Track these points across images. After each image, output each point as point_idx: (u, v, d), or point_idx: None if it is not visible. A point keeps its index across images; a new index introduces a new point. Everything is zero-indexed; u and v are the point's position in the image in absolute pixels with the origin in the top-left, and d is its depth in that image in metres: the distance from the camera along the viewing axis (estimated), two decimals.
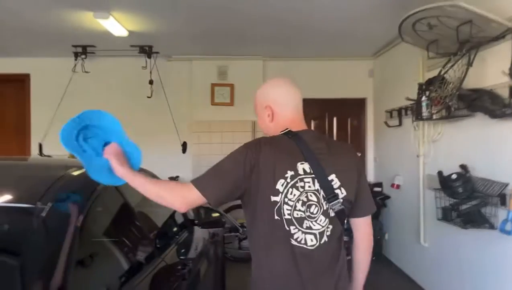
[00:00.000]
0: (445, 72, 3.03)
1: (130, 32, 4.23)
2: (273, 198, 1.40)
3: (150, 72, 5.10)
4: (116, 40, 4.45)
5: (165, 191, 1.41)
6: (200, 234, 2.67)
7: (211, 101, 5.42)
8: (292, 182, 1.41)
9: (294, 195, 1.41)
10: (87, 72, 5.01)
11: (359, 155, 5.69)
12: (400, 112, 4.43)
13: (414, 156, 3.99)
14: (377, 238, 4.91)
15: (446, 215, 2.94)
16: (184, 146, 5.26)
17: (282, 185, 1.41)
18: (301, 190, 1.41)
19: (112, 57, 5.20)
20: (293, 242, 1.40)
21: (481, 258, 2.90)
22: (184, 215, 2.57)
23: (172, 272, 1.75)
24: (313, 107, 5.65)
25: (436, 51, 3.05)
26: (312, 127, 5.69)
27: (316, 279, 1.44)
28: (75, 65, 5.01)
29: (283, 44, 4.96)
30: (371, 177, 5.54)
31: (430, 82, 3.23)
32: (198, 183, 1.39)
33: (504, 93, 2.57)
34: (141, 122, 5.41)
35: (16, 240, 1.13)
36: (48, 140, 5.15)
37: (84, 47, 4.87)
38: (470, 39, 2.73)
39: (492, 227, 2.69)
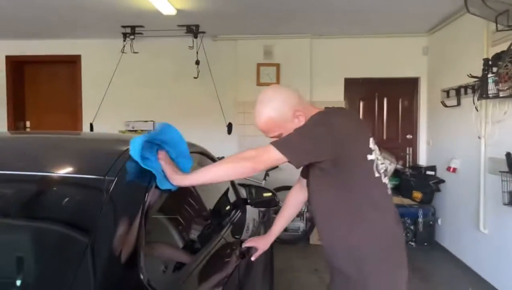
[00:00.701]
0: None
1: (178, 11, 4.20)
2: (369, 157, 1.47)
3: (197, 53, 5.07)
4: (164, 20, 4.44)
5: (239, 164, 1.42)
6: (251, 214, 2.63)
7: (256, 82, 5.34)
8: (373, 141, 1.55)
9: (377, 151, 1.54)
10: (135, 52, 5.06)
11: (411, 137, 5.46)
12: (459, 91, 4.16)
13: (474, 137, 3.75)
14: (429, 223, 4.72)
15: None
16: (230, 127, 5.24)
17: (372, 143, 1.52)
18: (376, 146, 1.56)
19: (159, 38, 5.22)
20: (389, 191, 1.56)
21: None
22: (237, 194, 2.53)
23: (232, 250, 1.72)
24: (362, 87, 5.46)
25: (506, 23, 2.80)
26: (361, 108, 5.51)
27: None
28: (124, 46, 5.08)
29: (330, 22, 4.78)
30: (423, 160, 5.30)
31: (498, 57, 2.99)
32: (279, 145, 1.40)
33: None
34: (187, 102, 5.46)
35: (86, 214, 1.11)
36: (98, 120, 5.28)
37: (133, 28, 4.91)
38: None
39: None
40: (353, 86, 5.38)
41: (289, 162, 1.40)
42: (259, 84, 5.32)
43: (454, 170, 4.29)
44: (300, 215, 5.20)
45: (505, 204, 2.86)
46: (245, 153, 1.44)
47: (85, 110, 5.58)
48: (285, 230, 5.34)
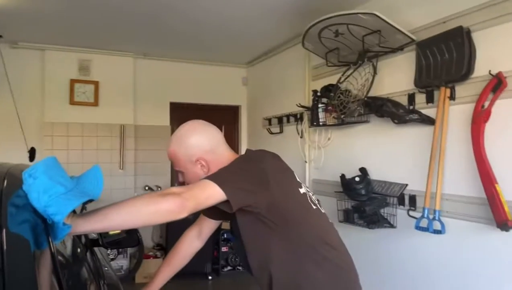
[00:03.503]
0: (344, 80, 3.17)
1: None
2: (301, 190, 1.40)
3: None
4: None
5: (161, 200, 1.06)
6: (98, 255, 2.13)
7: (70, 100, 4.60)
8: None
9: (303, 184, 1.50)
10: None
11: None
12: (281, 119, 4.51)
13: (299, 162, 4.09)
14: None
15: (349, 217, 3.05)
16: (32, 152, 4.30)
17: (297, 178, 1.47)
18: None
19: None
20: (330, 221, 1.48)
21: (381, 256, 3.08)
22: (86, 235, 2.02)
23: None
24: (188, 113, 5.34)
25: (337, 59, 3.16)
26: None
27: None
28: None
29: (156, 43, 4.54)
30: None
31: (327, 89, 3.34)
32: (217, 179, 1.18)
33: (403, 101, 2.81)
34: None
35: None
36: None
37: None
38: (371, 49, 2.92)
39: (391, 225, 2.88)
40: (178, 111, 5.23)
41: (225, 202, 1.17)
42: (73, 103, 4.59)
43: None
44: (123, 251, 4.64)
45: (340, 221, 3.15)
46: (167, 189, 1.12)
47: None
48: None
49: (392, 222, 2.89)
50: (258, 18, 3.64)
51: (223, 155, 1.41)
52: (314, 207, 1.41)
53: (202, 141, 1.40)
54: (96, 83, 4.69)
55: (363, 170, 3.08)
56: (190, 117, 5.54)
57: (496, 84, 2.17)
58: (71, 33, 4.18)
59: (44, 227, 0.83)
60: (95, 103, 4.69)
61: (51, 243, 0.82)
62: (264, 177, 1.26)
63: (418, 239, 2.69)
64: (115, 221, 1.00)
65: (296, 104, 3.82)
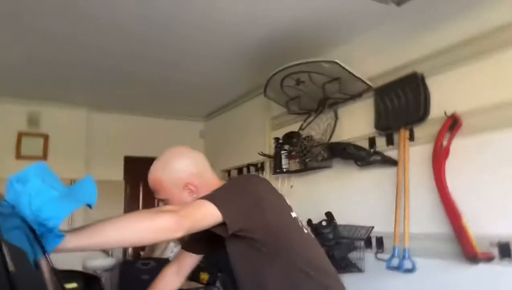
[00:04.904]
0: (305, 127, 3.26)
1: None
2: (293, 214, 1.37)
3: None
4: None
5: (157, 217, 0.98)
6: None
7: (16, 154, 4.31)
8: None
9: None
10: None
11: None
12: (241, 170, 4.49)
13: None
14: None
15: None
16: None
17: (288, 203, 1.44)
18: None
19: None
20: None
21: None
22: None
23: None
24: (142, 167, 5.13)
25: (298, 107, 3.26)
26: (141, 189, 5.18)
27: None
28: None
29: (111, 95, 4.48)
30: None
31: (289, 136, 3.40)
32: (213, 199, 1.12)
33: (364, 144, 2.90)
34: None
35: None
36: None
37: None
38: (331, 96, 3.04)
39: (359, 270, 2.85)
40: (133, 164, 5.06)
41: (220, 225, 1.11)
42: (19, 157, 4.31)
43: None
44: None
45: None
46: (162, 207, 1.05)
47: None
48: None
49: (360, 266, 2.86)
50: (216, 71, 3.72)
51: (211, 180, 1.36)
52: (306, 231, 1.37)
53: (189, 165, 1.35)
54: (46, 137, 4.47)
55: (329, 214, 3.07)
56: (145, 171, 5.36)
57: (452, 123, 2.31)
58: (20, 84, 4.02)
59: (34, 237, 0.73)
60: (44, 157, 4.43)
61: (46, 254, 0.72)
62: (259, 200, 1.22)
63: (387, 281, 2.67)
64: (108, 237, 0.91)
65: (258, 153, 3.83)
